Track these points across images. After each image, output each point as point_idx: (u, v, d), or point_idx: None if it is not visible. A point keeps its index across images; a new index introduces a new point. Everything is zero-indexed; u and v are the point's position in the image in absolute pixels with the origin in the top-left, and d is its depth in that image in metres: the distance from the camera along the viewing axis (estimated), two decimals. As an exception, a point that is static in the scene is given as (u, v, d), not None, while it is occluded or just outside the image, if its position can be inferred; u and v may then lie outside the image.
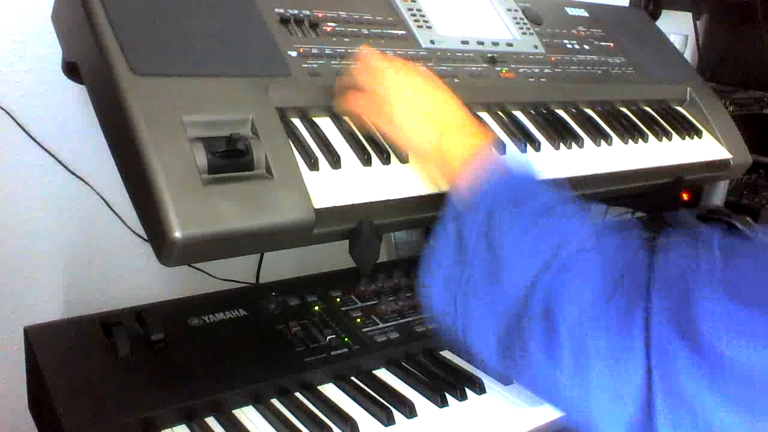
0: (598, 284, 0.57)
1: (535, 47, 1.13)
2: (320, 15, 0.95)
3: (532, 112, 1.06)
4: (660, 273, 0.55)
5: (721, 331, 0.51)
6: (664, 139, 1.15)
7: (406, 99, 0.79)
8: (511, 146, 0.97)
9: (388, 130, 0.81)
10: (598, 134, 1.07)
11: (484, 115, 1.01)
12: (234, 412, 0.75)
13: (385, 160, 0.85)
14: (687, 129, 1.20)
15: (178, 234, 0.66)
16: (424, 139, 0.78)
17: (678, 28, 1.84)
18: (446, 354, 0.89)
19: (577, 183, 0.99)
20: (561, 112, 1.09)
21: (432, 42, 1.02)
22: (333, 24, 0.95)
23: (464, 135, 0.77)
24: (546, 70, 1.11)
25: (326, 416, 0.75)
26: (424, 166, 0.81)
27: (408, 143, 0.80)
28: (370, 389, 0.80)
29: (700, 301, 0.52)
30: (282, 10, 0.91)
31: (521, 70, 1.08)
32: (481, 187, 0.69)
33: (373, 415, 0.76)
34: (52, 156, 1.15)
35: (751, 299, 0.51)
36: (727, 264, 0.54)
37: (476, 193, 0.69)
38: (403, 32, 1.01)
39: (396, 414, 0.76)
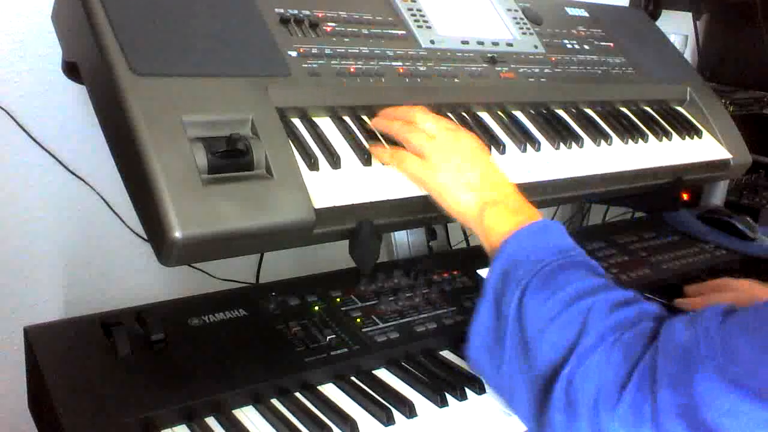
0: (609, 379, 0.61)
1: (535, 47, 1.13)
2: (320, 15, 0.95)
3: (532, 112, 1.06)
4: (663, 363, 0.59)
5: (725, 421, 0.55)
6: (664, 139, 1.15)
7: (452, 167, 0.80)
8: (511, 146, 0.97)
9: (431, 190, 0.82)
10: (598, 134, 1.07)
11: (484, 115, 1.01)
12: (234, 412, 0.75)
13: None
14: (687, 129, 1.20)
15: (178, 234, 0.66)
16: (466, 210, 0.79)
17: (678, 28, 1.84)
18: (446, 354, 0.89)
19: (577, 183, 0.99)
20: (561, 112, 1.09)
21: (432, 42, 1.02)
22: (333, 24, 0.95)
23: (507, 211, 0.78)
24: (546, 70, 1.11)
25: (326, 416, 0.75)
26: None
27: (448, 207, 0.81)
28: (370, 389, 0.80)
29: (702, 392, 0.56)
30: (282, 10, 0.91)
31: (521, 70, 1.08)
32: (516, 267, 0.72)
33: (373, 415, 0.76)
34: (52, 156, 1.15)
35: (751, 387, 0.55)
36: (725, 348, 0.57)
37: (511, 273, 0.72)
38: (403, 32, 1.01)
39: (396, 414, 0.76)
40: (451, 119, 0.97)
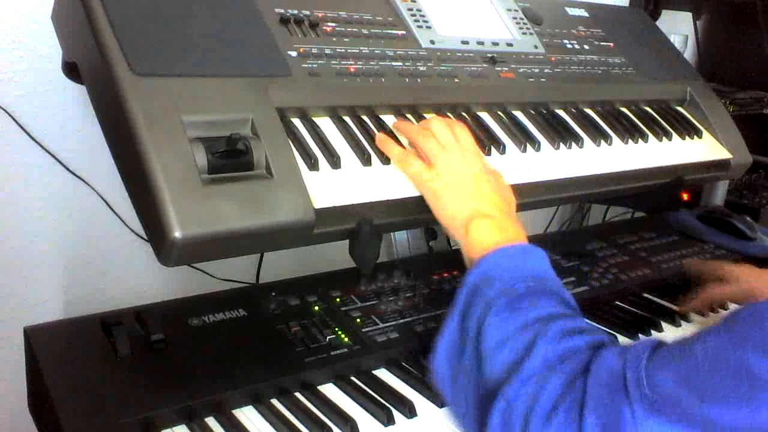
0: (542, 403, 0.63)
1: (535, 47, 1.13)
2: (320, 15, 0.95)
3: (532, 112, 1.06)
4: (592, 391, 0.62)
5: None
6: (664, 139, 1.15)
7: (453, 176, 0.81)
8: (511, 146, 0.97)
9: (427, 196, 0.83)
10: (598, 134, 1.07)
11: (484, 115, 1.01)
12: (234, 412, 0.75)
13: (385, 160, 0.85)
14: (687, 129, 1.20)
15: (177, 234, 0.66)
16: (455, 217, 0.80)
17: (678, 28, 1.84)
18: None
19: (577, 183, 0.99)
20: (561, 112, 1.09)
21: (432, 42, 1.02)
22: (333, 24, 0.95)
23: (493, 227, 0.78)
24: (546, 70, 1.11)
25: (326, 416, 0.75)
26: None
27: (440, 213, 0.81)
28: (370, 389, 0.80)
29: (625, 418, 0.59)
30: (282, 10, 0.91)
31: (521, 70, 1.08)
32: (488, 284, 0.72)
33: (373, 415, 0.76)
34: (52, 156, 1.15)
35: (672, 413, 0.58)
36: (650, 377, 0.60)
37: (481, 290, 0.72)
38: (403, 32, 1.01)
39: (396, 414, 0.76)
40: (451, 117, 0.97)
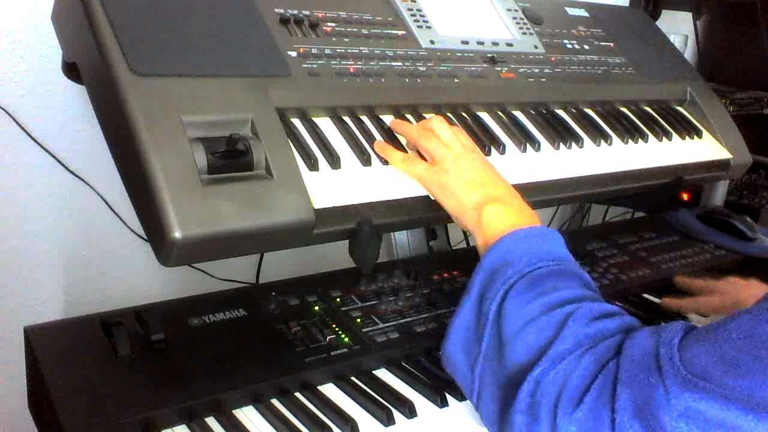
0: (574, 384, 0.63)
1: (535, 47, 1.13)
2: (320, 15, 0.95)
3: (532, 112, 1.06)
4: (625, 369, 0.61)
5: (682, 424, 0.57)
6: (664, 139, 1.15)
7: (460, 170, 0.81)
8: (510, 146, 0.97)
9: (435, 192, 0.83)
10: (598, 134, 1.07)
11: (484, 115, 1.01)
12: (234, 412, 0.75)
13: (385, 160, 0.85)
14: (687, 129, 1.20)
15: (177, 234, 0.66)
16: (466, 205, 0.79)
17: (678, 28, 1.84)
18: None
19: (577, 183, 0.99)
20: (561, 112, 1.09)
21: (432, 42, 1.02)
22: (333, 24, 0.95)
23: (506, 210, 0.78)
24: (546, 70, 1.11)
25: (326, 416, 0.75)
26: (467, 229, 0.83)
27: (450, 203, 0.81)
28: (370, 389, 0.80)
29: (659, 394, 0.59)
30: (282, 10, 0.91)
31: (521, 70, 1.08)
32: (506, 266, 0.72)
33: (373, 415, 0.76)
34: (52, 156, 1.15)
35: (706, 389, 0.57)
36: (683, 356, 0.60)
37: (499, 272, 0.72)
38: (403, 32, 1.01)
39: (396, 414, 0.76)
40: (451, 119, 0.97)
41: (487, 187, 0.80)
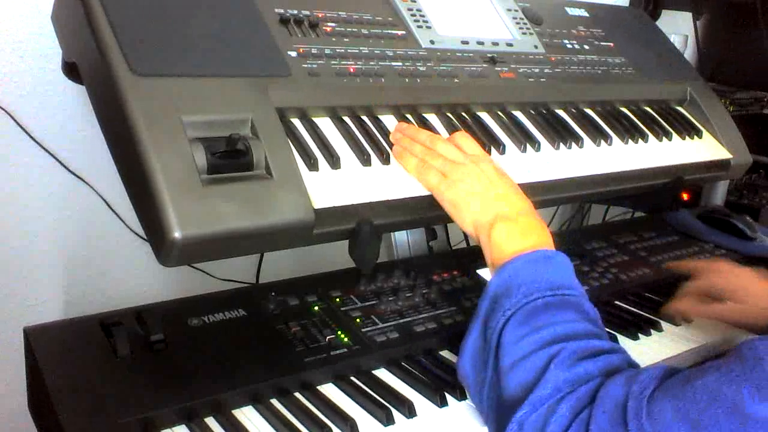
0: (551, 430, 0.65)
1: (535, 47, 1.13)
2: (320, 15, 0.95)
3: (532, 112, 1.06)
4: (596, 421, 0.63)
5: None
6: (664, 139, 1.15)
7: (471, 183, 0.81)
8: (511, 146, 0.97)
9: (447, 206, 0.82)
10: (598, 134, 1.07)
11: (484, 115, 1.01)
12: (234, 412, 0.75)
13: (385, 160, 0.85)
14: (687, 129, 1.20)
15: (177, 234, 0.66)
16: (478, 219, 0.80)
17: (678, 28, 1.84)
18: (446, 354, 0.89)
19: (577, 183, 0.99)
20: (561, 112, 1.09)
21: (432, 42, 1.01)
22: (333, 24, 0.95)
23: (516, 230, 0.78)
24: (546, 70, 1.10)
25: (326, 416, 0.75)
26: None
27: (463, 223, 0.81)
28: (370, 389, 0.80)
29: None
30: (282, 10, 0.91)
31: (521, 70, 1.08)
32: (507, 294, 0.73)
33: (373, 415, 0.76)
34: (52, 156, 1.15)
35: None
36: (650, 410, 0.62)
37: (501, 300, 0.73)
38: (403, 32, 1.01)
39: (396, 414, 0.76)
40: (451, 120, 0.97)
41: (496, 204, 0.80)
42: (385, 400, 0.78)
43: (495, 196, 0.81)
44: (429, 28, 1.03)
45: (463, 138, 0.88)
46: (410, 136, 0.87)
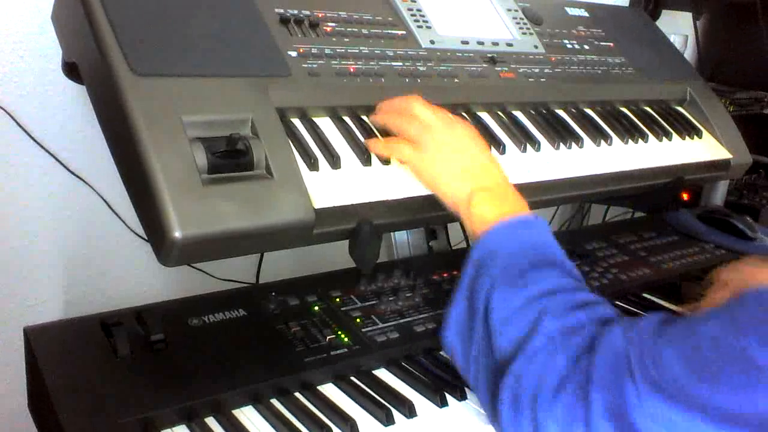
0: (550, 379, 0.65)
1: (535, 47, 1.13)
2: (320, 15, 0.95)
3: (532, 112, 1.06)
4: (598, 369, 0.63)
5: (651, 425, 0.59)
6: (664, 139, 1.15)
7: (446, 154, 0.81)
8: (511, 146, 0.97)
9: (425, 179, 0.83)
10: (598, 134, 1.07)
11: (484, 115, 1.01)
12: (234, 412, 0.75)
13: (385, 160, 0.85)
14: (687, 129, 1.20)
15: (177, 234, 0.66)
16: (456, 193, 0.80)
17: (678, 28, 1.84)
18: (446, 354, 0.89)
19: (577, 183, 0.99)
20: (561, 112, 1.09)
21: (432, 42, 1.02)
22: (333, 24, 0.95)
23: (494, 199, 0.79)
24: (546, 70, 1.11)
25: (326, 416, 0.75)
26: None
27: (441, 194, 0.82)
28: (370, 389, 0.80)
29: (630, 396, 0.60)
30: (282, 10, 0.91)
31: (521, 70, 1.08)
32: (491, 258, 0.74)
33: (373, 415, 0.76)
34: (52, 156, 1.15)
35: (675, 395, 0.59)
36: (654, 357, 0.61)
37: (484, 265, 0.74)
38: (403, 32, 1.01)
39: (396, 414, 0.76)
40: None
41: (473, 174, 0.81)
42: (385, 400, 0.78)
43: (470, 166, 0.81)
44: (429, 28, 1.03)
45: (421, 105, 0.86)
46: (383, 110, 0.87)
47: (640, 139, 1.11)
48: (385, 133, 0.88)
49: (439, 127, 0.83)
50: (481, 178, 0.81)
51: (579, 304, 0.69)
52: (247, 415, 0.75)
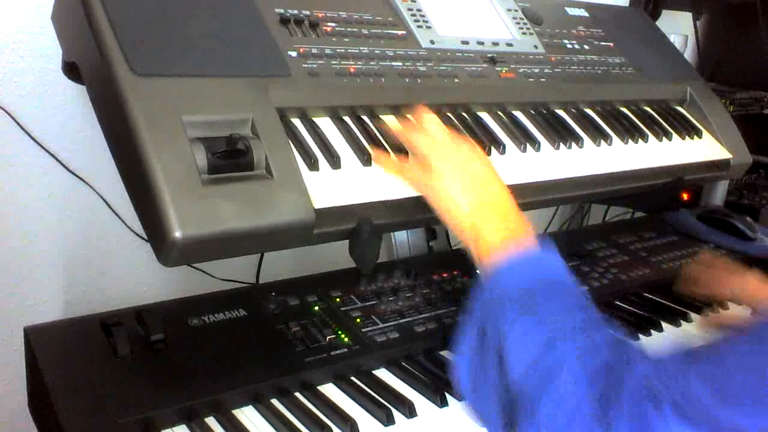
0: (577, 414, 0.64)
1: (535, 47, 1.13)
2: (320, 15, 0.95)
3: (532, 112, 1.06)
4: (623, 399, 0.62)
5: None
6: (664, 139, 1.15)
7: (450, 171, 0.80)
8: (511, 146, 0.97)
9: (428, 197, 0.82)
10: (598, 134, 1.07)
11: (484, 115, 1.01)
12: (234, 412, 0.75)
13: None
14: (687, 129, 1.20)
15: (177, 234, 0.66)
16: (460, 215, 0.79)
17: (678, 28, 1.84)
18: (446, 354, 0.89)
19: (577, 183, 0.99)
20: (561, 112, 1.09)
21: (432, 42, 1.02)
22: (333, 24, 0.95)
23: (499, 221, 0.78)
24: (546, 70, 1.11)
25: (326, 416, 0.75)
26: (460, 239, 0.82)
27: (445, 215, 0.81)
28: (370, 389, 0.80)
29: (657, 427, 0.59)
30: (282, 10, 0.91)
31: (521, 70, 1.08)
32: (501, 279, 0.73)
33: (373, 415, 0.76)
34: (52, 156, 1.15)
35: (701, 419, 0.58)
36: (684, 389, 0.60)
37: (496, 285, 0.73)
38: (403, 32, 1.01)
39: (396, 414, 0.76)
40: (451, 120, 0.97)
41: (477, 198, 0.79)
42: (386, 400, 0.78)
43: (475, 190, 0.80)
44: (429, 28, 1.03)
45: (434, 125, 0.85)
46: (393, 132, 0.87)
47: (640, 139, 1.11)
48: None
49: (445, 141, 0.82)
50: (484, 201, 0.79)
51: (600, 342, 0.68)
52: (247, 415, 0.75)
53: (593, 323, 0.71)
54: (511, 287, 0.73)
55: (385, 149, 0.86)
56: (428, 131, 0.84)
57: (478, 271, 0.77)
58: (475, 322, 0.74)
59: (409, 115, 0.90)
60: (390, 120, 0.92)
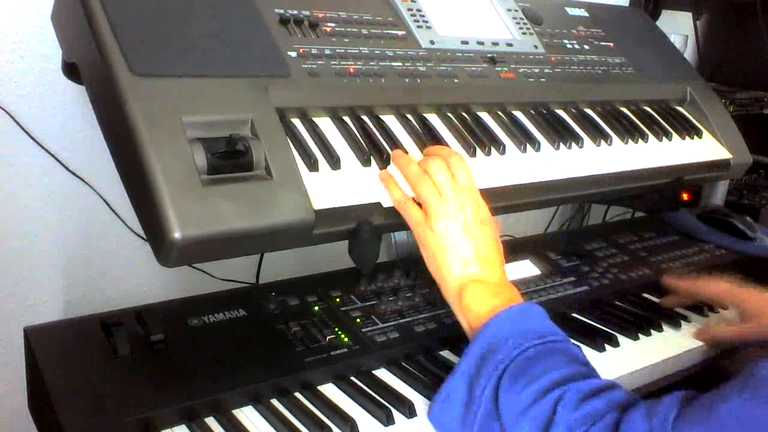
0: None
1: (535, 47, 1.13)
2: (320, 15, 0.95)
3: (532, 112, 1.06)
4: None
5: None
6: (664, 139, 1.15)
7: (448, 232, 0.79)
8: (511, 146, 0.97)
9: (423, 252, 0.82)
10: (598, 134, 1.07)
11: (484, 115, 1.01)
12: (234, 412, 0.75)
13: (385, 161, 0.85)
14: (687, 129, 1.20)
15: (177, 234, 0.66)
16: (448, 280, 0.79)
17: (678, 28, 1.84)
18: (446, 354, 0.89)
19: (577, 183, 0.99)
20: (561, 112, 1.09)
21: (432, 42, 1.02)
22: (333, 24, 0.95)
23: (486, 291, 0.78)
24: (546, 70, 1.11)
25: (326, 416, 0.75)
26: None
27: (434, 275, 0.81)
28: (370, 389, 0.80)
29: None
30: (282, 11, 0.91)
31: (521, 70, 1.08)
32: (494, 350, 0.72)
33: (373, 415, 0.76)
34: (52, 156, 1.15)
35: None
36: None
37: (489, 357, 0.72)
38: (403, 32, 1.01)
39: (396, 414, 0.76)
40: (451, 119, 0.97)
41: (470, 263, 0.79)
42: (385, 400, 0.78)
43: (469, 254, 0.79)
44: (429, 28, 1.03)
45: (456, 161, 0.83)
46: (407, 159, 0.85)
47: (640, 139, 1.11)
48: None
49: (450, 197, 0.80)
50: (476, 267, 0.79)
51: (591, 392, 0.68)
52: (247, 415, 0.75)
53: (586, 376, 0.71)
54: (501, 337, 0.73)
55: (385, 150, 0.86)
56: (434, 176, 0.81)
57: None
58: (463, 377, 0.74)
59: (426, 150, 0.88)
60: (390, 120, 0.92)
